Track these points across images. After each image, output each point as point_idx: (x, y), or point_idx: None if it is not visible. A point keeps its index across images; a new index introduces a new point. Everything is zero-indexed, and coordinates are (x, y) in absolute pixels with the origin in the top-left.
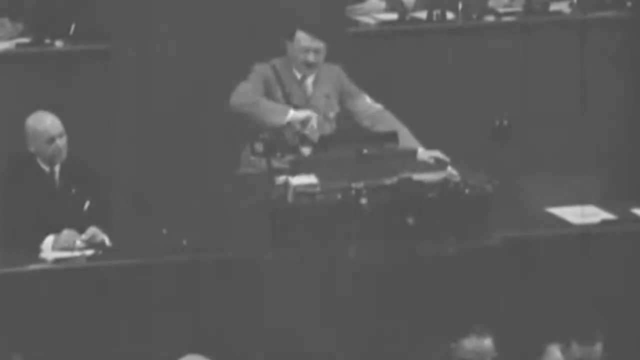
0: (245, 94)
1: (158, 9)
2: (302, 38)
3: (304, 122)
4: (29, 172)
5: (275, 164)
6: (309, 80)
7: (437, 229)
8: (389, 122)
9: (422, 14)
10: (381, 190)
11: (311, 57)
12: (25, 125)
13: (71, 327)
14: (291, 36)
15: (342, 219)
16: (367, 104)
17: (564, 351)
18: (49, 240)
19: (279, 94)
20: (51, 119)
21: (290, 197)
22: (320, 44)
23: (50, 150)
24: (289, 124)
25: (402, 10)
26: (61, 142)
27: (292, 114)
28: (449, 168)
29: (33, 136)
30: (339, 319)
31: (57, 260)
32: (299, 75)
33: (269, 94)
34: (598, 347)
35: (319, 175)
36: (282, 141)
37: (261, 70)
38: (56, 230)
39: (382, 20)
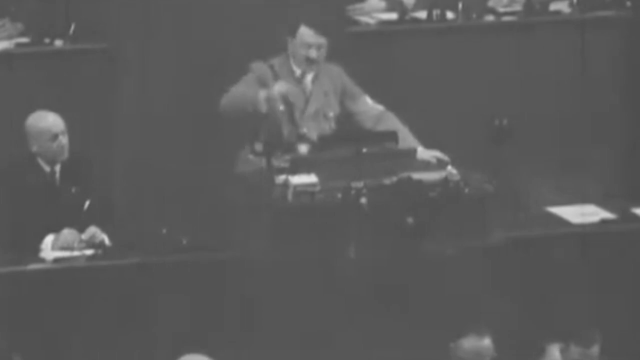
0: (230, 95)
1: (158, 9)
2: (305, 34)
3: (282, 94)
4: (29, 171)
5: (275, 163)
6: (308, 78)
7: (437, 229)
8: (390, 123)
9: (422, 14)
10: (381, 190)
11: (313, 53)
12: (27, 125)
13: (71, 327)
14: (293, 32)
15: (342, 218)
16: (368, 105)
17: (563, 352)
18: (49, 239)
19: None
20: (53, 116)
21: (290, 197)
22: (322, 40)
23: (53, 147)
24: (270, 102)
25: (402, 10)
26: (64, 139)
27: (264, 96)
28: (449, 167)
29: (35, 135)
30: (339, 319)
31: (57, 260)
32: (298, 72)
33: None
34: (595, 349)
35: (319, 174)
36: (281, 140)
37: (258, 69)
38: (56, 229)
39: (382, 20)
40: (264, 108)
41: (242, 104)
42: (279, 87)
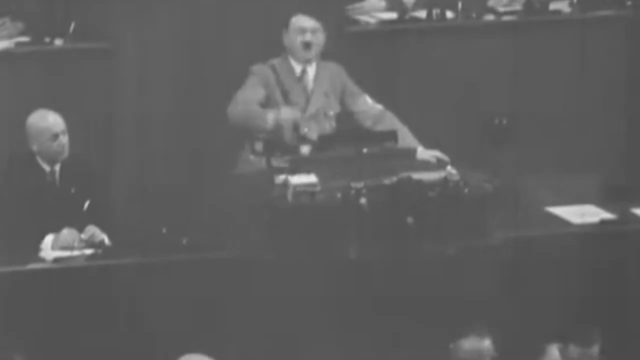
0: (237, 103)
1: (158, 8)
2: (299, 19)
3: (293, 124)
4: (29, 171)
5: (275, 163)
6: (309, 77)
7: (436, 229)
8: (390, 122)
9: (422, 13)
10: (381, 190)
11: (308, 37)
12: (27, 124)
13: (71, 326)
14: (286, 23)
15: (342, 218)
16: (368, 104)
17: (562, 352)
18: (49, 239)
19: (277, 93)
20: (53, 116)
21: (290, 197)
22: (316, 24)
23: (54, 147)
24: (281, 127)
25: (402, 9)
26: (64, 139)
27: (272, 118)
28: (449, 167)
29: (36, 134)
30: (339, 319)
31: (57, 260)
32: (298, 70)
33: (268, 94)
34: (595, 349)
35: (318, 174)
36: (281, 140)
37: (259, 71)
38: (56, 229)
39: (381, 19)
40: (270, 127)
41: (250, 119)
42: (285, 114)
